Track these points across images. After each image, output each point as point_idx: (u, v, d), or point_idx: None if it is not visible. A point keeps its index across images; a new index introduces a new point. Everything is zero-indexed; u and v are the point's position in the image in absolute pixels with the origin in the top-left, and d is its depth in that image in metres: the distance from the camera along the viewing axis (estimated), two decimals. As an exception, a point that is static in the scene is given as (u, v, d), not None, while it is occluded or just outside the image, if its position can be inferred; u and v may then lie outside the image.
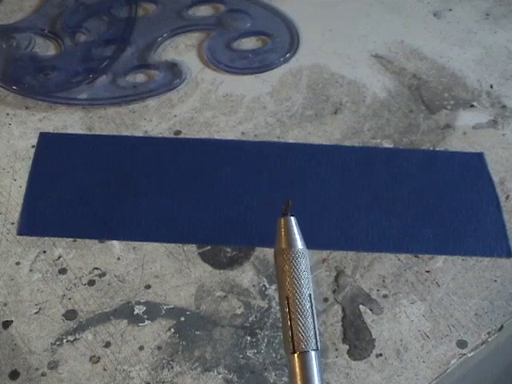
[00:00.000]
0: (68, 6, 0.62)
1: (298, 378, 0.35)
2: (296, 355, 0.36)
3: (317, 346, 0.36)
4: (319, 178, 0.49)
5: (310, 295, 0.37)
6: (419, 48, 0.60)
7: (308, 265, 0.38)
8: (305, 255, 0.38)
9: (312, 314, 0.37)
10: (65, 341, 0.41)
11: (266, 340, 0.41)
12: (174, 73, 0.57)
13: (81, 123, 0.53)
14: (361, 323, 0.42)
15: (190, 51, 0.60)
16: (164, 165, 0.50)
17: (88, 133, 0.52)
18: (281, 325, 0.39)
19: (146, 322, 0.42)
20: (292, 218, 0.39)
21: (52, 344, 0.40)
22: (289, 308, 0.37)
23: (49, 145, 0.51)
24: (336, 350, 0.40)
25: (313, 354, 0.36)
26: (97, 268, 0.44)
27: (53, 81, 0.56)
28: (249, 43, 0.60)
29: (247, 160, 0.50)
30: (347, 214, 0.47)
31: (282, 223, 0.39)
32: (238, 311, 0.42)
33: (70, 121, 0.53)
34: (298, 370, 0.35)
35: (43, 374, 0.39)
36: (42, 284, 0.43)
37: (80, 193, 0.48)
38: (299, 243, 0.38)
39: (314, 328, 0.36)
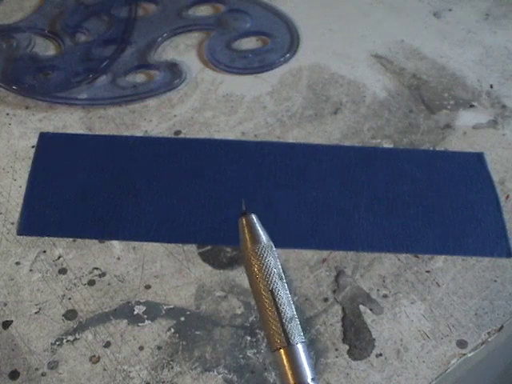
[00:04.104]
0: (68, 5, 0.62)
1: (289, 373, 0.35)
2: (282, 351, 0.35)
3: (301, 338, 0.36)
4: (319, 178, 0.49)
5: (284, 287, 0.37)
6: (419, 48, 0.60)
7: (276, 258, 0.39)
8: (272, 249, 0.39)
9: (291, 306, 0.37)
10: (65, 341, 0.41)
11: (266, 340, 0.41)
12: (174, 73, 0.57)
13: (81, 123, 0.53)
14: (361, 323, 0.42)
15: (190, 51, 0.60)
16: (164, 165, 0.50)
17: (88, 133, 0.52)
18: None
19: (146, 322, 0.42)
20: (253, 215, 0.40)
21: (52, 344, 0.41)
22: (275, 301, 0.36)
23: (49, 145, 0.51)
24: (336, 350, 0.40)
25: (299, 346, 0.36)
26: (97, 268, 0.44)
27: (53, 81, 0.56)
28: (249, 43, 0.60)
29: (247, 160, 0.50)
30: (347, 213, 0.47)
31: (244, 222, 0.40)
32: (238, 311, 0.42)
33: (69, 121, 0.53)
34: (286, 366, 0.35)
35: (43, 374, 0.39)
36: (42, 284, 0.43)
37: (80, 193, 0.48)
38: (264, 238, 0.39)
39: (294, 319, 0.36)
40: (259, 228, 0.40)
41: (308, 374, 0.35)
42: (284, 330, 0.35)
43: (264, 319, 0.37)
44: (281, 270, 0.38)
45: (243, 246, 0.39)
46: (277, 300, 0.36)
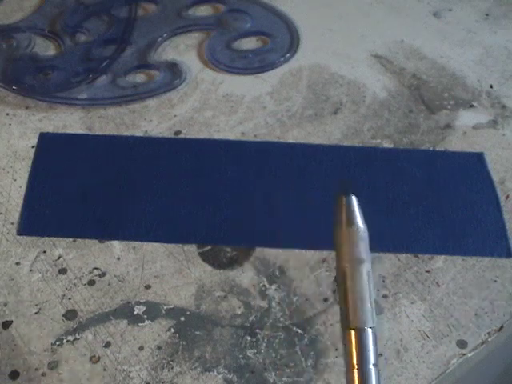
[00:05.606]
0: (68, 5, 0.62)
1: (354, 354, 0.35)
2: (352, 332, 0.36)
3: (373, 323, 0.36)
4: (319, 178, 0.49)
5: (368, 272, 0.37)
6: (419, 48, 0.60)
7: (367, 243, 0.38)
8: (365, 233, 0.39)
9: (369, 291, 0.37)
10: (65, 341, 0.41)
11: (265, 340, 0.41)
12: (174, 73, 0.57)
13: (81, 123, 0.53)
14: (361, 323, 0.42)
15: (190, 51, 0.60)
16: (164, 165, 0.50)
17: (88, 133, 0.52)
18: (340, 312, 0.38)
19: (146, 322, 0.42)
20: (353, 197, 0.39)
21: (52, 344, 0.41)
22: (345, 284, 0.37)
23: (49, 145, 0.51)
24: (336, 350, 0.40)
25: (369, 331, 0.36)
26: (97, 268, 0.44)
27: (53, 81, 0.56)
28: (249, 43, 0.60)
29: (247, 160, 0.50)
30: (347, 213, 0.47)
31: (343, 201, 0.39)
32: (238, 311, 0.42)
33: (69, 121, 0.53)
34: (353, 346, 0.36)
35: (43, 374, 0.39)
36: (42, 284, 0.43)
37: (80, 193, 0.48)
38: (359, 221, 0.39)
39: (371, 305, 0.37)
40: (357, 211, 0.39)
41: (371, 359, 0.36)
42: (358, 313, 0.36)
43: (341, 299, 0.37)
44: (369, 256, 0.38)
45: (337, 226, 0.39)
46: (356, 283, 0.37)
